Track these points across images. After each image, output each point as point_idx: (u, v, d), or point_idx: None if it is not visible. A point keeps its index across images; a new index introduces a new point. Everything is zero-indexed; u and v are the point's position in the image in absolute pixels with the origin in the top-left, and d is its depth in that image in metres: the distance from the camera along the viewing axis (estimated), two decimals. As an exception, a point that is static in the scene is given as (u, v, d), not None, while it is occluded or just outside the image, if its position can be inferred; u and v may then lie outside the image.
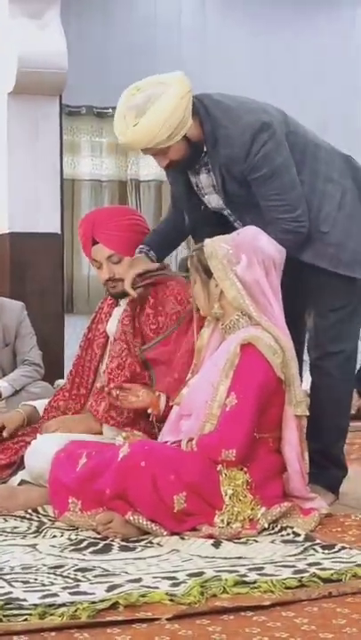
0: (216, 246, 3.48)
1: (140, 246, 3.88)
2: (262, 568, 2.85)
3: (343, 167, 3.76)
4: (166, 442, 3.47)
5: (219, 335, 3.58)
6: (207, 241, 3.51)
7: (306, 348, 3.94)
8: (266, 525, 3.31)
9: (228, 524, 3.26)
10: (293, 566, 2.87)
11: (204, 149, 3.61)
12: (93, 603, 2.51)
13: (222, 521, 3.26)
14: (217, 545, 3.15)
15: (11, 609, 2.47)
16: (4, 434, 3.99)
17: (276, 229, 3.54)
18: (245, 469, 3.34)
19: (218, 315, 3.51)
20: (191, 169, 3.70)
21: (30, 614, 2.44)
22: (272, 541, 3.19)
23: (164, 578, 2.76)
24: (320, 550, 3.05)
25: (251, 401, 3.34)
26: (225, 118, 3.57)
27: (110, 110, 8.94)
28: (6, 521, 3.50)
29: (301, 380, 3.61)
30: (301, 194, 3.59)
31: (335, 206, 3.67)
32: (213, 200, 3.72)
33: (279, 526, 3.33)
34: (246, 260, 3.45)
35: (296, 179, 3.58)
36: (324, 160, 3.71)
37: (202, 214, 3.79)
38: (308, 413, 3.48)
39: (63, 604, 2.50)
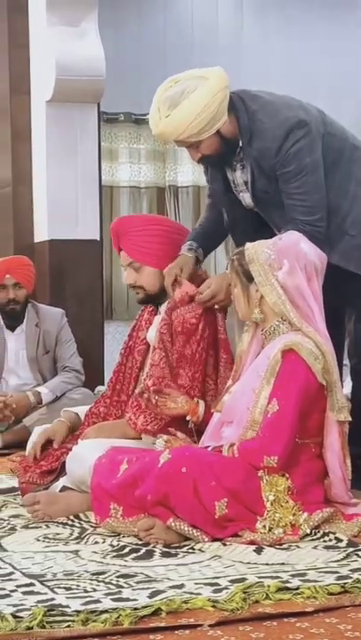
0: (258, 251, 3.47)
1: (189, 242, 3.86)
2: (305, 574, 2.84)
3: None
4: (207, 447, 3.46)
5: (259, 341, 3.57)
6: (248, 245, 3.50)
7: (346, 352, 3.92)
8: (308, 531, 3.30)
9: (270, 529, 3.25)
10: (336, 572, 2.85)
11: (240, 145, 3.60)
12: (136, 609, 2.51)
13: (264, 527, 3.25)
14: (259, 551, 3.13)
15: (53, 615, 2.47)
16: (55, 445, 3.99)
17: (293, 229, 3.54)
18: (287, 475, 3.33)
19: (258, 319, 3.50)
20: (227, 165, 3.69)
21: (73, 621, 2.44)
22: (314, 547, 3.18)
23: (206, 584, 2.75)
24: (363, 556, 3.04)
25: (292, 407, 3.33)
26: (263, 112, 3.56)
27: (148, 117, 8.96)
28: (48, 527, 3.51)
29: (343, 385, 3.60)
30: (324, 198, 3.56)
31: None
32: (247, 198, 3.71)
33: (321, 532, 3.31)
34: (289, 265, 3.43)
35: (322, 182, 3.56)
36: (359, 162, 3.69)
37: (241, 213, 3.78)
38: (350, 419, 3.46)
39: (105, 611, 2.50)
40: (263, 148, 3.53)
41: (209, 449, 3.43)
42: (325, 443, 3.43)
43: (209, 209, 4.01)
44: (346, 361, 3.97)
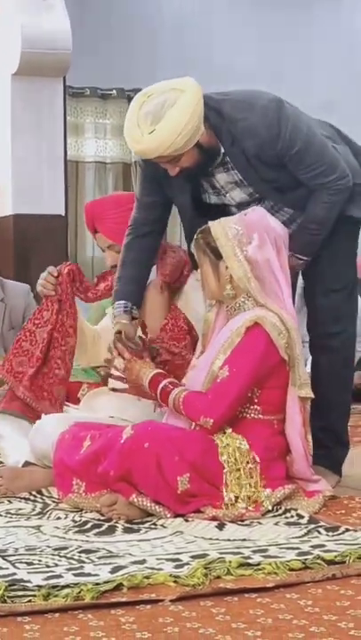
0: (225, 227, 3.47)
1: (123, 303, 3.77)
2: (266, 550, 2.85)
3: (335, 129, 3.81)
4: (161, 376, 3.49)
5: (224, 318, 3.58)
6: (212, 223, 3.49)
7: (306, 327, 3.95)
8: (270, 508, 3.32)
9: (236, 499, 3.26)
10: (297, 548, 2.87)
11: (222, 150, 3.57)
12: (97, 584, 2.51)
13: (230, 499, 3.26)
14: (221, 527, 3.15)
15: (15, 590, 2.47)
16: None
17: (328, 193, 3.56)
18: (246, 442, 3.34)
19: (230, 296, 3.49)
20: (202, 174, 3.66)
21: (34, 595, 2.44)
22: (276, 523, 3.20)
23: (167, 559, 2.76)
24: (324, 532, 3.06)
25: (243, 378, 3.35)
26: (238, 111, 3.53)
27: (114, 92, 8.91)
28: (10, 502, 3.51)
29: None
30: (333, 150, 3.59)
31: (353, 157, 3.70)
32: (237, 196, 3.67)
33: (283, 508, 3.33)
34: (259, 238, 3.44)
35: (323, 138, 3.60)
36: (317, 124, 3.73)
37: (202, 222, 3.74)
38: (312, 395, 3.47)
39: (67, 586, 2.50)
40: (260, 141, 3.50)
41: (161, 385, 3.45)
42: (287, 418, 3.45)
43: (133, 246, 3.82)
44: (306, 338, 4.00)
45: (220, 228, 3.47)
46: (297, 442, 3.44)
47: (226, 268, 3.47)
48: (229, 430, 3.36)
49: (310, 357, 3.89)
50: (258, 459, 3.35)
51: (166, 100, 3.42)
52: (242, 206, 3.64)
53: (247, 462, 3.33)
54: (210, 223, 3.49)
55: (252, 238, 3.44)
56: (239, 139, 3.52)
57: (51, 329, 3.90)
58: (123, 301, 3.77)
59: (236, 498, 3.28)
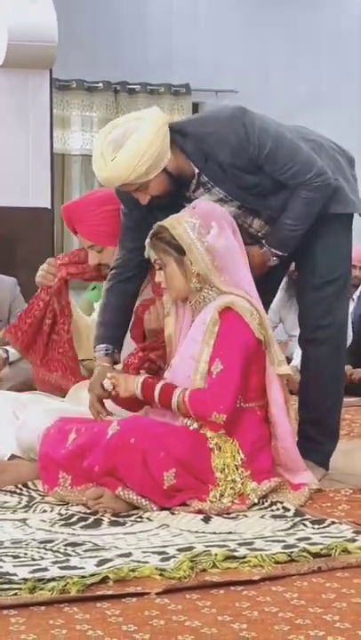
0: (181, 222, 3.46)
1: (104, 346, 3.75)
2: (252, 543, 2.86)
3: (306, 130, 3.83)
4: (155, 379, 3.48)
5: (185, 316, 3.57)
6: (165, 222, 3.48)
7: (298, 323, 3.96)
8: (256, 500, 3.32)
9: (222, 496, 3.27)
10: (283, 541, 2.88)
11: (196, 171, 3.58)
12: (83, 577, 2.51)
13: (214, 496, 3.27)
14: (207, 520, 3.15)
15: (0, 583, 2.47)
16: None
17: (307, 190, 3.57)
18: (235, 441, 3.34)
19: (197, 288, 3.49)
20: (183, 200, 3.65)
21: (20, 589, 2.44)
22: (262, 516, 3.20)
23: (153, 552, 2.76)
24: (310, 525, 3.06)
25: (237, 364, 3.35)
26: (204, 126, 3.57)
27: (101, 85, 8.90)
28: (-4, 496, 3.51)
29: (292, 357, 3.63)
30: (308, 150, 3.61)
31: (326, 158, 3.70)
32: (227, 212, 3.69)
33: (269, 501, 3.34)
34: (217, 225, 3.45)
35: (294, 140, 3.61)
36: (292, 128, 3.75)
37: None
38: (290, 372, 3.48)
39: (53, 579, 2.50)
40: (232, 149, 3.52)
41: (162, 383, 3.43)
42: (269, 399, 3.44)
43: (115, 291, 3.81)
44: (294, 332, 4.00)
45: (177, 224, 3.46)
46: (282, 419, 3.44)
47: (190, 262, 3.46)
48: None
49: (298, 350, 3.89)
50: (244, 453, 3.35)
51: (128, 128, 3.49)
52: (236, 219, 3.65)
53: (234, 458, 3.33)
54: (164, 222, 3.48)
55: (211, 227, 3.45)
56: (212, 152, 3.54)
57: (52, 309, 4.07)
58: (104, 345, 3.76)
59: (222, 495, 3.28)
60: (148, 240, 3.51)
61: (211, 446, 3.33)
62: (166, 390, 3.40)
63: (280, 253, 3.67)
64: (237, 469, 3.33)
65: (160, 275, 3.53)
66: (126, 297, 3.83)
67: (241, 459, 3.34)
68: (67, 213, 4.08)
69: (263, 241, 3.67)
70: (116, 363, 3.77)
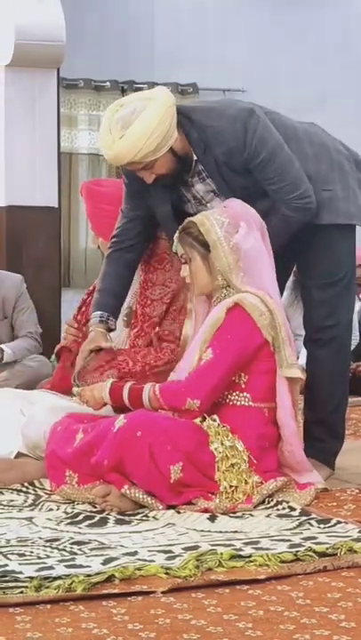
0: (211, 219, 3.48)
1: (99, 313, 3.81)
2: (258, 542, 2.86)
3: (315, 130, 3.83)
4: (122, 383, 3.48)
5: (203, 316, 3.58)
6: (195, 218, 3.50)
7: (302, 323, 3.96)
8: (261, 500, 3.32)
9: (230, 488, 3.26)
10: (289, 540, 2.88)
11: (195, 158, 3.59)
12: (89, 576, 2.52)
13: (224, 487, 3.27)
14: (212, 519, 3.15)
15: (7, 581, 2.47)
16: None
17: (287, 208, 3.57)
18: (236, 435, 3.34)
19: (222, 285, 3.50)
20: (182, 184, 3.67)
21: (26, 587, 2.45)
22: (268, 515, 3.20)
23: (159, 551, 2.76)
24: (316, 524, 3.06)
25: (227, 359, 3.36)
26: (208, 119, 3.58)
27: (108, 84, 8.90)
28: (2, 494, 3.51)
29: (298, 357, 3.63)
30: (300, 169, 3.60)
31: (328, 165, 3.70)
32: (217, 205, 3.68)
33: (275, 500, 3.34)
34: (246, 226, 3.46)
35: (291, 155, 3.60)
36: (301, 129, 3.76)
37: None
38: (300, 375, 3.48)
39: (59, 577, 2.51)
40: (228, 149, 3.53)
41: (126, 388, 3.44)
42: (278, 401, 3.44)
43: (115, 260, 3.88)
44: (300, 332, 4.00)
45: (206, 221, 3.47)
46: (288, 420, 3.44)
47: (215, 259, 3.47)
48: (217, 419, 3.36)
49: (304, 350, 3.89)
50: (249, 449, 3.35)
51: (136, 107, 3.50)
52: None
53: (238, 453, 3.33)
54: (194, 218, 3.51)
55: (240, 227, 3.45)
56: (210, 146, 3.56)
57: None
58: (99, 312, 3.82)
59: (230, 487, 3.28)
60: (176, 234, 3.53)
61: (205, 428, 3.33)
62: (135, 390, 3.42)
63: None
64: (243, 464, 3.33)
65: (185, 269, 3.55)
66: (126, 266, 3.88)
67: (248, 456, 3.34)
68: (85, 193, 4.15)
69: None
70: (110, 330, 3.82)
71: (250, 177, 3.59)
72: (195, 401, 3.33)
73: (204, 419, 3.37)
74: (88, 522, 3.13)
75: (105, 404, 3.54)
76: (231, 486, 3.29)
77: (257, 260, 3.48)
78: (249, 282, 3.46)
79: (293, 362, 3.46)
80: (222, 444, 3.32)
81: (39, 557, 2.70)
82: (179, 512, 3.22)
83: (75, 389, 3.63)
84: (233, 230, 3.46)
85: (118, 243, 3.86)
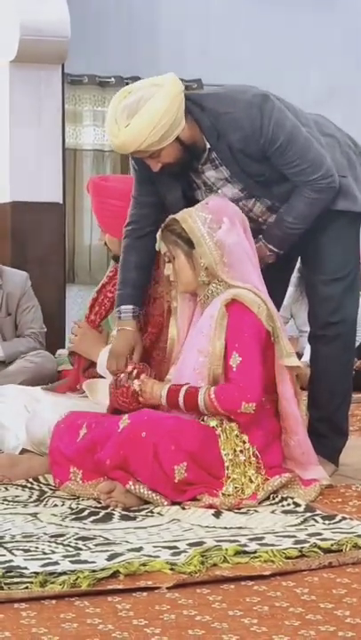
0: (193, 216, 3.47)
1: (131, 308, 3.74)
2: (263, 538, 2.86)
3: (324, 122, 3.82)
4: (179, 386, 3.43)
5: (197, 312, 3.57)
6: (177, 215, 3.49)
7: (307, 319, 3.96)
8: (266, 496, 3.32)
9: (237, 490, 3.27)
10: (294, 536, 2.88)
11: (207, 146, 3.57)
12: (94, 571, 2.52)
13: (226, 490, 3.27)
14: (217, 515, 3.15)
15: (12, 577, 2.47)
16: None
17: (311, 190, 3.56)
18: (245, 437, 3.34)
19: (205, 282, 3.50)
20: (192, 171, 3.66)
21: (31, 582, 2.45)
22: (273, 512, 3.20)
23: (164, 547, 2.76)
24: (320, 521, 3.06)
25: (254, 353, 3.36)
26: (222, 106, 3.54)
27: (113, 79, 8.89)
28: (7, 490, 3.51)
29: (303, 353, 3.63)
30: (319, 149, 3.59)
31: (340, 154, 3.70)
32: (228, 192, 3.66)
33: (280, 497, 3.34)
34: (228, 222, 3.46)
35: (309, 136, 3.59)
36: (312, 119, 3.75)
37: None
38: (299, 364, 3.48)
39: (64, 573, 2.51)
40: (243, 135, 3.50)
41: (183, 390, 3.40)
42: (279, 392, 3.45)
43: (135, 248, 3.79)
44: (305, 328, 4.00)
45: (188, 218, 3.47)
46: (293, 410, 3.44)
47: (199, 256, 3.47)
48: (235, 427, 3.36)
49: (308, 347, 3.89)
50: (256, 447, 3.35)
51: (143, 95, 3.45)
52: (234, 203, 3.63)
53: (246, 451, 3.33)
54: (175, 215, 3.50)
55: (222, 222, 3.45)
56: (224, 133, 3.53)
57: None
58: (131, 306, 3.74)
59: (236, 488, 3.29)
60: (159, 232, 3.51)
61: (218, 433, 3.32)
62: (190, 393, 3.39)
63: (276, 250, 3.66)
64: (250, 463, 3.33)
65: (169, 267, 3.54)
66: (146, 254, 3.79)
67: (253, 452, 3.34)
68: (92, 189, 4.11)
69: (260, 236, 3.66)
70: (140, 328, 3.75)
71: (266, 163, 3.56)
72: (250, 404, 3.32)
73: (221, 422, 3.36)
74: (93, 517, 3.13)
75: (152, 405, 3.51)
76: (236, 487, 3.29)
77: (241, 255, 3.48)
78: (236, 276, 3.46)
79: (292, 350, 3.46)
80: (234, 451, 3.32)
81: (44, 553, 2.70)
82: (184, 508, 3.22)
83: (135, 384, 3.54)
84: (216, 226, 3.46)
85: (137, 230, 3.77)
